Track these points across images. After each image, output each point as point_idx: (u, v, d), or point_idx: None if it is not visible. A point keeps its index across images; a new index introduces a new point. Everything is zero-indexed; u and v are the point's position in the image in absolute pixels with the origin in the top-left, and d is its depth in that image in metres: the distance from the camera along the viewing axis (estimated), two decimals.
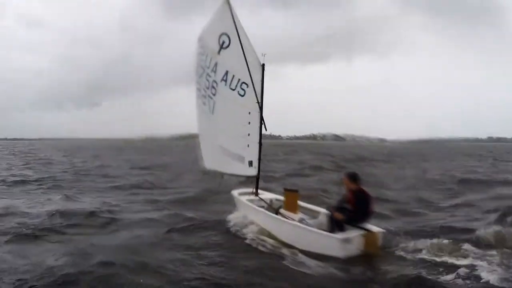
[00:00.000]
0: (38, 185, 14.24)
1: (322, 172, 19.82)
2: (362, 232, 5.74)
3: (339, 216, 5.95)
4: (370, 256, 5.63)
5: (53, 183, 14.66)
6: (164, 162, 26.41)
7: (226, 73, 7.39)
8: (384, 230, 5.92)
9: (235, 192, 8.30)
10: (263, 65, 7.27)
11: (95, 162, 27.01)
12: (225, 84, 7.46)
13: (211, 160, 8.39)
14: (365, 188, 6.08)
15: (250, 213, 7.35)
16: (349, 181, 6.07)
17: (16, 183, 14.58)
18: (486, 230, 6.54)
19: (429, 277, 4.77)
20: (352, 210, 5.89)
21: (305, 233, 6.04)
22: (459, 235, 6.59)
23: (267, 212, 6.98)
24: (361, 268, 5.23)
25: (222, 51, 7.31)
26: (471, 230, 6.79)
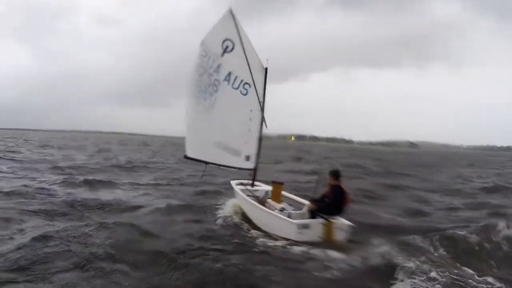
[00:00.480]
0: None
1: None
2: (322, 221, 6.50)
3: (312, 206, 6.89)
4: (325, 243, 6.13)
5: None
6: None
7: (229, 73, 8.18)
8: (351, 224, 6.43)
9: (233, 182, 8.98)
10: (266, 69, 8.24)
11: None
12: (228, 83, 8.22)
13: (197, 151, 8.66)
14: (343, 184, 6.85)
15: (240, 200, 8.22)
16: (331, 177, 6.93)
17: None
18: None
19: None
20: (328, 202, 6.80)
21: (272, 218, 6.95)
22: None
23: (249, 200, 7.77)
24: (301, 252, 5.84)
25: (226, 54, 8.11)
26: None
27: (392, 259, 5.32)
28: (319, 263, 5.40)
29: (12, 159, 19.98)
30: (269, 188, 8.86)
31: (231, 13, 8.06)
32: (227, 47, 8.10)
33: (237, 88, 8.23)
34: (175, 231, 6.83)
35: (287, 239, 6.40)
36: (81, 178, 12.89)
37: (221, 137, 8.50)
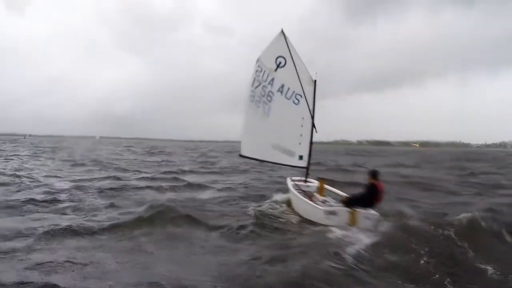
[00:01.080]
0: None
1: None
2: (348, 209, 7.48)
3: (344, 199, 8.02)
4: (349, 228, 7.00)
5: None
6: None
7: (282, 85, 9.35)
8: (376, 214, 7.32)
9: (288, 179, 10.33)
10: (315, 81, 9.23)
11: None
12: (281, 94, 9.41)
13: (253, 151, 10.13)
14: (379, 183, 7.66)
15: (290, 194, 9.50)
16: (370, 177, 7.81)
17: None
18: None
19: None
20: (359, 196, 7.75)
21: (308, 206, 8.15)
22: None
23: (295, 192, 9.03)
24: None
25: (279, 69, 9.27)
26: None
27: None
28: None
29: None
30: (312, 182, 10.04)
31: (283, 34, 9.13)
32: (280, 63, 9.24)
33: (289, 98, 9.38)
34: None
35: (319, 224, 7.59)
36: None
37: (277, 140, 9.81)
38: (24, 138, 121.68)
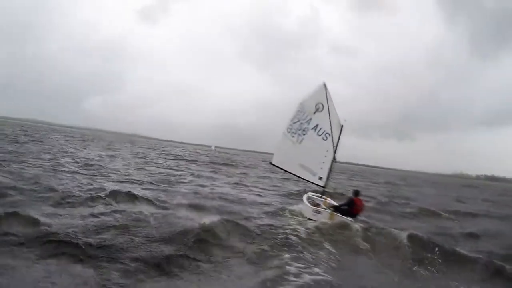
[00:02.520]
0: None
1: None
2: (329, 211, 11.07)
3: (332, 206, 11.66)
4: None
5: None
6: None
7: (317, 125, 12.18)
8: (347, 219, 10.63)
9: (305, 195, 13.33)
10: (342, 126, 12.03)
11: None
12: (315, 131, 12.26)
13: (281, 163, 13.18)
14: (358, 199, 11.19)
15: (302, 204, 12.68)
16: (353, 193, 11.41)
17: None
18: None
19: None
20: (340, 205, 11.39)
21: (307, 208, 11.75)
22: None
23: (305, 201, 12.37)
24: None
25: (317, 112, 12.05)
26: None
27: None
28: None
29: None
30: (332, 201, 13.02)
31: (324, 85, 11.83)
32: (318, 108, 11.99)
33: (320, 135, 12.25)
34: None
35: (310, 219, 11.16)
36: None
37: (303, 161, 12.74)
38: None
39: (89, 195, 11.12)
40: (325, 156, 12.43)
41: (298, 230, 9.87)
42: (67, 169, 17.00)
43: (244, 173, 30.94)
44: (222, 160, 52.08)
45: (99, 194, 11.25)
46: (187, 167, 29.71)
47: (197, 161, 40.91)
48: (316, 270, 6.99)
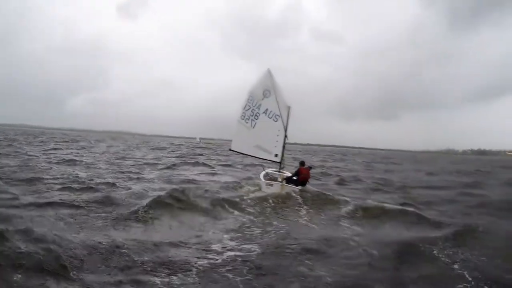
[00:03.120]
0: None
1: None
2: (280, 183, 12.76)
3: (284, 178, 13.35)
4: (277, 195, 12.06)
5: None
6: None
7: (266, 109, 13.56)
8: (296, 188, 12.40)
9: (263, 171, 14.86)
10: (289, 107, 13.49)
11: None
12: (265, 115, 13.64)
13: (240, 148, 14.64)
14: (304, 168, 13.08)
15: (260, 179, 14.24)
16: (299, 164, 13.12)
17: None
18: None
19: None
20: (291, 176, 13.14)
21: (261, 182, 13.36)
22: None
23: (260, 177, 13.98)
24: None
25: (265, 98, 13.36)
26: None
27: None
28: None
29: None
30: (287, 173, 14.66)
31: (269, 72, 13.05)
32: (265, 94, 13.27)
33: (270, 118, 13.66)
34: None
35: (263, 192, 12.75)
36: None
37: (259, 142, 14.18)
38: (133, 137, 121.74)
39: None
40: (277, 135, 13.90)
41: (245, 198, 11.85)
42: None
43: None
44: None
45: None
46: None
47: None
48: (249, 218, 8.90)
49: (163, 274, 5.50)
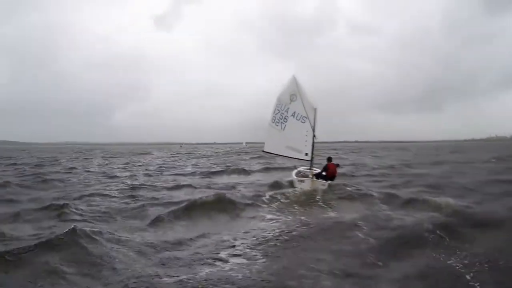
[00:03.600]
0: None
1: None
2: (311, 179, 13.88)
3: (314, 174, 14.49)
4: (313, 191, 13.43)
5: None
6: None
7: (294, 112, 14.79)
8: (326, 182, 13.78)
9: (296, 170, 16.04)
10: (315, 109, 14.62)
11: None
12: (294, 117, 14.84)
13: (272, 149, 15.87)
14: (332, 163, 14.30)
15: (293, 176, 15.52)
16: (327, 160, 14.00)
17: None
18: None
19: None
20: (320, 173, 14.21)
21: (294, 179, 14.70)
22: None
23: (293, 174, 15.34)
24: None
25: (292, 102, 14.61)
26: None
27: None
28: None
29: None
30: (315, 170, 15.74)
31: (294, 78, 14.31)
32: (292, 98, 14.52)
33: (298, 120, 14.85)
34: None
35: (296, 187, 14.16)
36: None
37: (289, 143, 15.39)
38: (181, 147, 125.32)
39: None
40: (306, 135, 15.05)
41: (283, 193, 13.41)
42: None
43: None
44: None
45: None
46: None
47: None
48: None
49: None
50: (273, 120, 15.27)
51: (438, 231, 7.41)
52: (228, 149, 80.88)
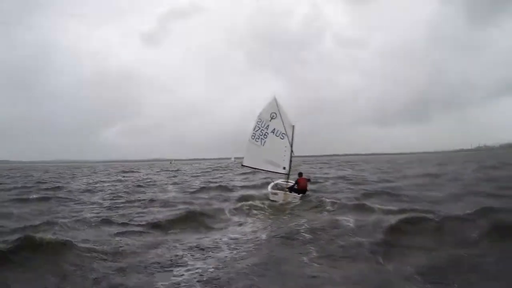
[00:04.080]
0: None
1: None
2: (284, 192, 15.31)
3: (288, 187, 15.85)
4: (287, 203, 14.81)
5: None
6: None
7: (274, 129, 16.28)
8: (298, 196, 15.25)
9: (272, 182, 17.35)
10: (293, 126, 16.19)
11: None
12: (273, 134, 16.31)
13: (251, 163, 17.19)
14: (303, 178, 15.91)
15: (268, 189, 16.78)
16: (298, 175, 15.72)
17: None
18: None
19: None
20: (292, 186, 15.68)
21: (269, 191, 15.90)
22: None
23: (269, 187, 16.60)
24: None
25: (272, 120, 16.14)
26: None
27: None
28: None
29: None
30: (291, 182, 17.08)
31: (275, 99, 15.95)
32: (272, 116, 16.07)
33: (277, 136, 16.33)
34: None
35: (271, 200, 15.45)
36: None
37: (269, 158, 16.75)
38: (170, 163, 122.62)
39: None
40: (285, 151, 16.49)
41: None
42: None
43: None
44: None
45: None
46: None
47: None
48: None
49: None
50: (253, 137, 16.65)
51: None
52: (217, 165, 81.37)
